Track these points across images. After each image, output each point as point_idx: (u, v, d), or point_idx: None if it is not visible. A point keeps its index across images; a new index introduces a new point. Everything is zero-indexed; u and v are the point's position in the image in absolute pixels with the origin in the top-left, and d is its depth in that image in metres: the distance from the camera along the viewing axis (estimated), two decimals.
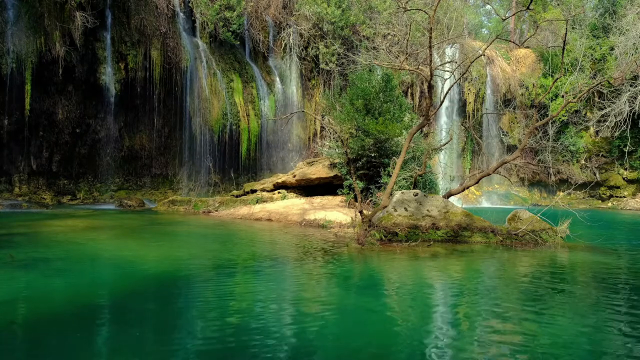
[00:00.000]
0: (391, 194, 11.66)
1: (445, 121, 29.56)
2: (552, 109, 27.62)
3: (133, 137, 23.63)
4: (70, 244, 10.23)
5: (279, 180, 19.87)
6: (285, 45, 26.66)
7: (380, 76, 17.73)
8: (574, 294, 6.73)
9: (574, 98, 15.03)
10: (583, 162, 29.68)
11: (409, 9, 13.19)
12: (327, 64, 26.80)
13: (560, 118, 28.17)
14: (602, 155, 29.57)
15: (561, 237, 11.25)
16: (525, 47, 31.85)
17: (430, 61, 10.95)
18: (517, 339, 4.72)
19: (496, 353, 4.35)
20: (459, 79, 13.45)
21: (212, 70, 24.10)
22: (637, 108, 25.54)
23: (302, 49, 26.98)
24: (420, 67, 18.59)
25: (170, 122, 24.04)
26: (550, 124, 25.31)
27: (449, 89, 13.08)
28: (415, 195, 11.74)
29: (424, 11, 13.62)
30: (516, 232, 11.12)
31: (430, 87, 11.52)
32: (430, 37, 10.60)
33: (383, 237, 10.86)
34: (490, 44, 12.61)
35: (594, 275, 8.07)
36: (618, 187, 29.17)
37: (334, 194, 17.91)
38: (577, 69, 27.36)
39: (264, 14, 26.26)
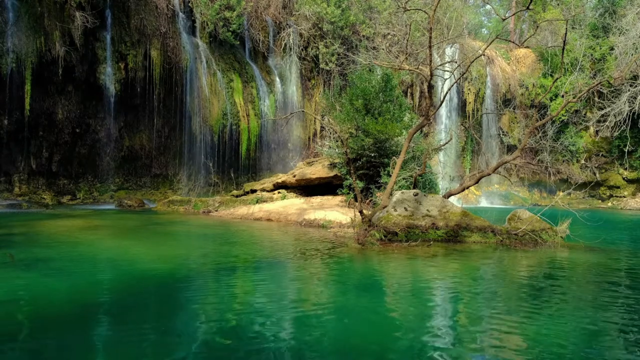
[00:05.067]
0: (391, 194, 11.66)
1: (445, 121, 29.56)
2: (552, 109, 27.63)
3: (133, 137, 23.63)
4: (70, 243, 10.24)
5: (279, 180, 19.88)
6: (285, 45, 26.66)
7: (380, 76, 17.73)
8: (574, 294, 6.73)
9: (573, 98, 15.05)
10: (583, 162, 29.69)
11: (409, 8, 13.19)
12: (327, 64, 26.80)
13: (560, 118, 28.18)
14: (602, 155, 29.58)
15: (561, 237, 11.25)
16: (525, 47, 31.86)
17: (430, 61, 10.96)
18: (517, 338, 4.73)
19: (495, 353, 4.35)
20: (459, 79, 13.46)
21: (212, 70, 24.10)
22: (637, 108, 25.55)
23: (302, 49, 26.99)
24: (420, 67, 18.60)
25: (170, 122, 24.04)
26: (550, 124, 25.33)
27: (449, 89, 13.08)
28: (415, 195, 11.74)
29: (424, 11, 13.62)
30: (516, 232, 11.12)
31: (430, 87, 11.52)
32: (430, 37, 10.61)
33: (383, 236, 10.86)
34: (490, 43, 12.61)
35: (593, 275, 8.07)
36: (618, 187, 29.18)
37: (334, 194, 17.91)
38: (577, 69, 27.38)
39: (263, 14, 26.26)
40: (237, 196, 20.44)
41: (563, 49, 12.55)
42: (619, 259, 9.74)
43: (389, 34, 27.52)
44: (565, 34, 11.91)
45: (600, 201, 29.23)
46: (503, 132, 30.36)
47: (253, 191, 20.51)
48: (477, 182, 13.33)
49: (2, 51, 18.95)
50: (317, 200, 17.97)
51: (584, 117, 28.99)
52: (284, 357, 4.16)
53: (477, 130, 30.16)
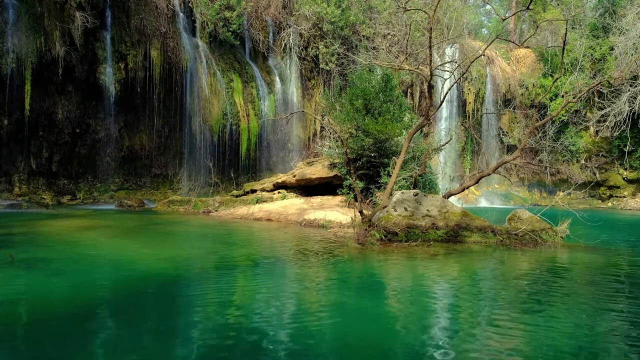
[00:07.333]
0: (391, 194, 11.66)
1: (445, 121, 29.56)
2: (552, 109, 27.63)
3: (133, 137, 23.63)
4: (70, 244, 10.24)
5: (279, 180, 19.88)
6: (285, 45, 26.66)
7: (380, 76, 17.73)
8: (574, 294, 6.73)
9: (573, 98, 15.05)
10: (583, 162, 29.69)
11: (409, 8, 13.19)
12: (327, 64, 26.80)
13: (560, 118, 28.17)
14: (602, 155, 29.58)
15: (561, 237, 11.25)
16: (525, 47, 31.86)
17: (430, 61, 10.96)
18: (517, 339, 4.73)
19: (495, 353, 4.35)
20: (459, 79, 13.45)
21: (212, 70, 24.10)
22: (637, 108, 25.55)
23: (302, 49, 26.98)
24: (420, 67, 18.59)
25: (170, 122, 24.03)
26: (550, 124, 25.32)
27: (449, 89, 13.07)
28: (415, 195, 11.74)
29: (424, 11, 13.62)
30: (516, 232, 11.12)
31: (430, 87, 11.53)
32: (430, 37, 10.61)
33: (383, 237, 10.86)
34: (490, 43, 12.61)
35: (593, 275, 8.08)
36: (618, 187, 29.18)
37: (334, 194, 17.91)
38: (577, 69, 27.38)
39: (263, 14, 26.25)
40: (237, 196, 20.44)
41: (563, 49, 12.55)
42: (618, 259, 9.74)
43: (389, 34, 27.52)
44: (565, 34, 11.92)
45: (600, 201, 29.22)
46: (503, 132, 30.36)
47: (253, 191, 20.51)
48: (477, 182, 13.33)
49: (2, 51, 18.94)
50: (317, 200, 17.97)
51: (584, 117, 28.98)
52: (284, 358, 4.16)
53: (477, 130, 30.16)
